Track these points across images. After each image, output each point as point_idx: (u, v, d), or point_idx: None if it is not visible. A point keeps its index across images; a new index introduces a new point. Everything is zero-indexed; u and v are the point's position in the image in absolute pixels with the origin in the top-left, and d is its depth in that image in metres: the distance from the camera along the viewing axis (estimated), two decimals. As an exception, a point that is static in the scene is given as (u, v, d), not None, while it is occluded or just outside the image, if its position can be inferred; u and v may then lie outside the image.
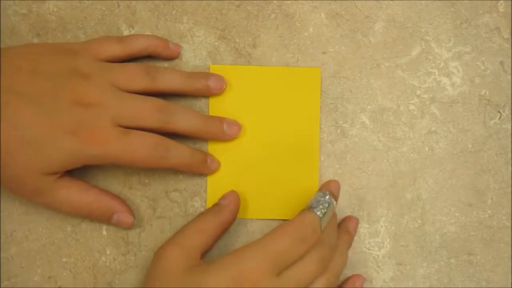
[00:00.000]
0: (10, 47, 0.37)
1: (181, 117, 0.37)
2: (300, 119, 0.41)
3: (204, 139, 0.40)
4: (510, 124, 0.41)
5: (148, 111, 0.36)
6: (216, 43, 0.41)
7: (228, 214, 0.38)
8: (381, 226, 0.41)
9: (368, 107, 0.41)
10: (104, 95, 0.35)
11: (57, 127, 0.34)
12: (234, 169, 0.40)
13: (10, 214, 0.40)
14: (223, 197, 0.39)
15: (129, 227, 0.39)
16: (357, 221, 0.40)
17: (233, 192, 0.39)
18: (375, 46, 0.42)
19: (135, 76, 0.37)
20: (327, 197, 0.36)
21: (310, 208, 0.35)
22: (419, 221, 0.41)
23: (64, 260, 0.40)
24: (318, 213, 0.35)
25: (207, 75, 0.40)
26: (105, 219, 0.38)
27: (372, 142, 0.41)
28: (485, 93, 0.42)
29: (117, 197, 0.39)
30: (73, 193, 0.36)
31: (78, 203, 0.37)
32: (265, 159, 0.40)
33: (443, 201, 0.41)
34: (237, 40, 0.41)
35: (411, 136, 0.41)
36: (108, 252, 0.40)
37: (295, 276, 0.33)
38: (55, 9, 0.41)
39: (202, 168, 0.39)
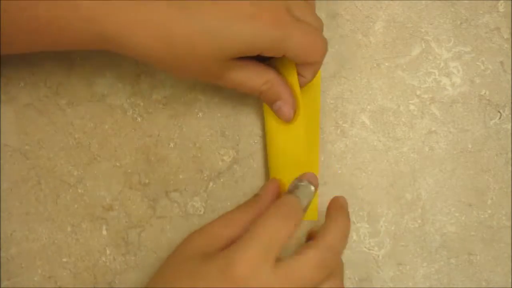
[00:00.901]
0: None
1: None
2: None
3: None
4: (510, 124, 0.41)
5: (313, 10, 0.37)
6: (216, 43, 0.41)
7: (263, 206, 0.37)
8: (381, 226, 0.41)
9: (368, 107, 0.41)
10: None
11: (238, 13, 0.34)
12: (234, 169, 0.40)
13: (10, 214, 0.40)
14: (262, 188, 0.38)
15: (286, 120, 0.39)
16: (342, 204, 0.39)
17: (272, 182, 0.38)
18: (375, 46, 0.42)
19: None
20: (303, 182, 0.36)
21: (288, 192, 0.36)
22: (419, 221, 0.41)
23: (64, 260, 0.40)
24: (297, 194, 0.35)
25: None
26: (269, 102, 0.38)
27: (372, 142, 0.41)
28: (485, 93, 0.42)
29: (288, 86, 0.38)
30: (251, 74, 0.37)
31: (252, 84, 0.37)
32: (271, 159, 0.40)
33: (443, 201, 0.41)
34: (237, 40, 0.41)
35: (411, 136, 0.41)
36: (108, 252, 0.40)
37: (293, 267, 0.32)
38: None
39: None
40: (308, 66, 0.38)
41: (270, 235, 0.32)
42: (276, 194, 0.38)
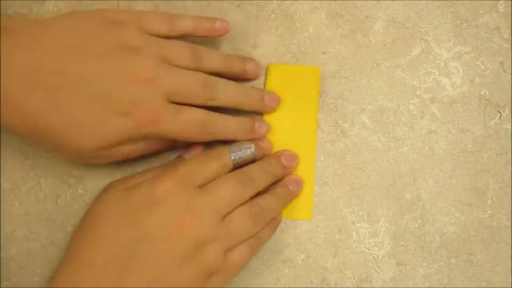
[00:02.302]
0: (52, 19, 0.35)
1: (224, 92, 0.37)
2: (298, 117, 0.41)
3: (246, 110, 0.40)
4: (510, 124, 0.41)
5: (197, 87, 0.36)
6: (216, 43, 0.41)
7: None
8: (381, 226, 0.41)
9: (368, 107, 0.41)
10: (156, 70, 0.35)
11: (110, 109, 0.34)
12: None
13: (10, 214, 0.40)
14: (188, 151, 0.39)
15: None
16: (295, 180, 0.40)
17: (197, 147, 0.39)
18: (375, 46, 0.42)
19: (182, 54, 0.37)
20: (251, 145, 0.38)
21: (228, 147, 0.38)
22: (419, 221, 0.41)
23: (64, 260, 0.40)
24: (233, 149, 0.38)
25: (244, 59, 0.40)
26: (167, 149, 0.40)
27: (372, 142, 0.41)
28: (485, 93, 0.42)
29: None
30: (132, 146, 0.36)
31: (140, 151, 0.37)
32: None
33: (443, 201, 0.41)
34: (237, 40, 0.41)
35: (411, 136, 0.41)
36: (108, 252, 0.40)
37: (214, 187, 0.35)
38: (55, 9, 0.41)
39: (250, 135, 0.39)
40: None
41: (189, 170, 0.35)
42: None
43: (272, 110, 0.40)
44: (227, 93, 0.37)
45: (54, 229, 0.40)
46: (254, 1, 0.42)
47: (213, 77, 0.37)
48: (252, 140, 0.39)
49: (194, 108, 0.36)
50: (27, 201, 0.40)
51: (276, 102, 0.40)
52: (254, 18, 0.42)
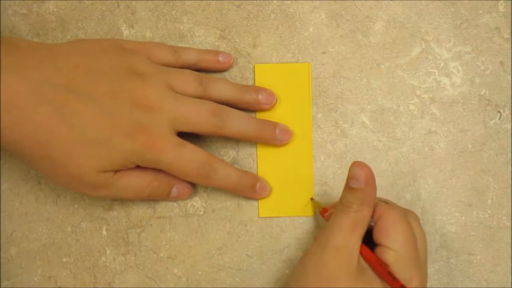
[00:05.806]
0: (62, 43, 0.37)
1: (235, 122, 0.37)
2: (292, 116, 0.40)
3: (255, 142, 0.40)
4: (510, 124, 0.41)
5: (204, 116, 0.36)
6: (216, 43, 0.41)
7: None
8: (381, 226, 0.41)
9: (368, 107, 0.41)
10: (162, 97, 0.35)
11: (116, 129, 0.34)
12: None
13: (10, 214, 0.40)
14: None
15: (188, 197, 0.40)
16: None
17: None
18: (375, 46, 0.42)
19: (189, 82, 0.37)
20: None
21: None
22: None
23: (64, 260, 0.40)
24: None
25: (257, 89, 0.40)
26: (165, 194, 0.38)
27: (372, 142, 0.41)
28: (485, 93, 0.42)
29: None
30: (133, 178, 0.37)
31: (139, 187, 0.37)
32: (259, 157, 0.40)
33: (443, 201, 0.41)
34: (237, 40, 0.41)
35: (411, 136, 0.41)
36: (108, 252, 0.40)
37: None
38: (55, 9, 0.41)
39: (249, 194, 0.39)
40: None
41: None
42: None
43: (283, 144, 0.40)
44: (237, 123, 0.37)
45: (54, 229, 0.40)
46: (254, 1, 0.42)
47: (221, 106, 0.37)
48: None
49: (197, 148, 0.37)
50: (27, 201, 0.40)
51: (289, 135, 0.40)
52: (254, 18, 0.42)
